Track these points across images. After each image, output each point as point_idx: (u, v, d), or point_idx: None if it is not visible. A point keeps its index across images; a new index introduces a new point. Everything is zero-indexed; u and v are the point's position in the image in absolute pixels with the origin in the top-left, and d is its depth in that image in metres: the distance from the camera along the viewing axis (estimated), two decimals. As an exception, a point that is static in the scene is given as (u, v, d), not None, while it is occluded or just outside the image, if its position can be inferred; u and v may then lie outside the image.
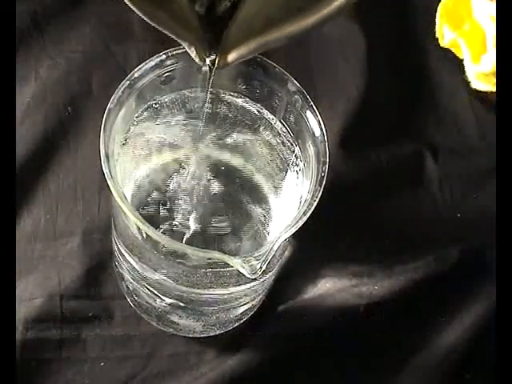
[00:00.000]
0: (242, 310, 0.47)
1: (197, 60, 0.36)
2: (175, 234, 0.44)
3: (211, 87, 0.41)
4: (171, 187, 0.45)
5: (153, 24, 0.34)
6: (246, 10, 0.35)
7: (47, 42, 0.56)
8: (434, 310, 0.50)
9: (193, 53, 0.36)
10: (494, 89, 0.51)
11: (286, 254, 0.50)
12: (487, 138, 0.56)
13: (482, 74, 0.45)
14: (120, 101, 0.40)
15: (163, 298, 0.45)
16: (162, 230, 0.44)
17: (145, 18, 0.34)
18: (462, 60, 0.46)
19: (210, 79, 0.38)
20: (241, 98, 0.44)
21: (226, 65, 0.37)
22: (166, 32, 0.36)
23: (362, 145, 0.55)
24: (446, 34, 0.47)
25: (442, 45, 0.46)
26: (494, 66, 0.46)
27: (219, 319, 0.47)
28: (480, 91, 0.55)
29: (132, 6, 0.34)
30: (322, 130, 0.41)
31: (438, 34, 0.47)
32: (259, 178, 0.45)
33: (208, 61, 0.36)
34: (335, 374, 0.49)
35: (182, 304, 0.45)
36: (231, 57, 0.36)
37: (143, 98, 0.43)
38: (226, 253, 0.38)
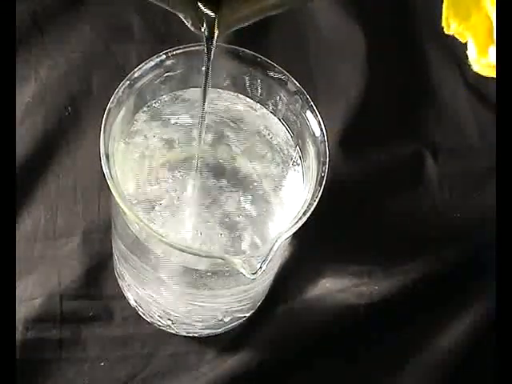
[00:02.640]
0: (242, 309, 0.47)
1: (193, 29, 0.36)
2: (175, 234, 0.44)
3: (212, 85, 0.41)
4: (171, 187, 0.45)
5: None
6: None
7: (47, 42, 0.56)
8: (434, 310, 0.50)
9: (188, 22, 0.36)
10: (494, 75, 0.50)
11: (286, 254, 0.50)
12: (487, 138, 0.57)
13: (488, 65, 0.45)
14: (120, 101, 0.40)
15: (163, 297, 0.45)
16: (161, 230, 0.44)
17: None
18: (465, 44, 0.45)
19: (210, 51, 0.38)
20: (241, 97, 0.44)
21: (224, 30, 0.36)
22: (159, 3, 0.35)
23: (362, 145, 0.55)
24: (451, 26, 0.46)
25: (446, 32, 0.45)
26: None
27: (219, 319, 0.47)
28: (478, 81, 0.55)
29: None
30: (322, 130, 0.41)
31: (443, 23, 0.46)
32: (259, 178, 0.45)
33: (204, 29, 0.36)
34: (335, 374, 0.49)
35: (181, 303, 0.45)
36: (228, 23, 0.36)
37: (143, 98, 0.43)
38: (226, 253, 0.38)
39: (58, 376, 0.47)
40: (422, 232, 0.53)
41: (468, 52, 0.49)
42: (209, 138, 0.45)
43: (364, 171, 0.55)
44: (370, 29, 0.59)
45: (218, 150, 0.46)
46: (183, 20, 0.36)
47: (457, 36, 0.51)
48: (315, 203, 0.39)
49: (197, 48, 0.41)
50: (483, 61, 0.45)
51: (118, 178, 0.39)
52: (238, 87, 0.44)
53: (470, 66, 0.48)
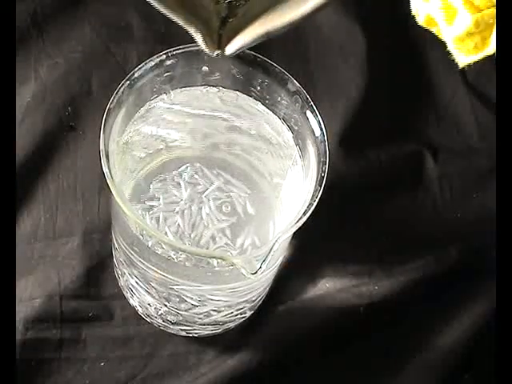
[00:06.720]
0: (241, 309, 0.47)
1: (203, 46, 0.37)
2: (175, 233, 0.44)
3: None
4: (171, 187, 0.45)
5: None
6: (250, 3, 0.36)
7: (47, 42, 0.56)
8: (434, 310, 0.50)
9: (199, 39, 0.37)
10: (476, 55, 0.50)
11: (286, 253, 0.50)
12: (487, 138, 0.57)
13: (458, 38, 0.44)
14: (120, 101, 0.40)
15: (163, 296, 0.45)
16: (161, 229, 0.44)
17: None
18: (443, 41, 0.45)
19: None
20: (241, 97, 0.44)
21: (229, 54, 0.37)
22: (173, 16, 0.36)
23: (361, 145, 0.55)
24: (420, 9, 0.46)
25: (419, 23, 0.45)
26: (468, 28, 0.45)
27: (219, 319, 0.47)
28: (478, 81, 0.55)
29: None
30: (322, 130, 0.41)
31: (413, 11, 0.46)
32: (259, 178, 0.45)
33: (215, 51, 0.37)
34: (335, 374, 0.49)
35: (181, 303, 0.45)
36: (234, 45, 0.37)
37: (143, 98, 0.43)
38: (226, 253, 0.38)
39: (57, 376, 0.47)
40: (422, 232, 0.53)
41: (446, 43, 0.48)
42: (208, 137, 0.45)
43: (364, 171, 0.55)
44: (370, 29, 0.59)
45: (218, 149, 0.46)
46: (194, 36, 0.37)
47: (431, 28, 0.50)
48: (315, 203, 0.39)
49: (197, 48, 0.41)
50: (452, 33, 0.44)
51: (118, 178, 0.39)
52: (238, 87, 0.44)
53: (456, 61, 0.47)
